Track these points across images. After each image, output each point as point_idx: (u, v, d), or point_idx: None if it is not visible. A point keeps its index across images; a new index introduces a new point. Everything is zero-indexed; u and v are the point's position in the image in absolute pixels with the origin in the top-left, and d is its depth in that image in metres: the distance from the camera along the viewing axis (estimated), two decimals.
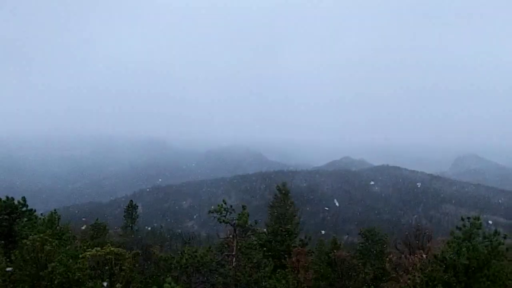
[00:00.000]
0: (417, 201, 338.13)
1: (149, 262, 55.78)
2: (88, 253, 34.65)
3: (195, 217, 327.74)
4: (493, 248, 29.12)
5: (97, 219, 73.53)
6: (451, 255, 28.65)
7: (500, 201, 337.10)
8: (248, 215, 34.62)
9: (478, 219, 30.09)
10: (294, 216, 60.12)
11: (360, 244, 75.41)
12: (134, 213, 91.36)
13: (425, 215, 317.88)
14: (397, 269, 55.86)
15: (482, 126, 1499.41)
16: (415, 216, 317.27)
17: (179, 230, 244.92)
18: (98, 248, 36.16)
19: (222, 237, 43.24)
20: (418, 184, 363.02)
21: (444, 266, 29.01)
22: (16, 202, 47.10)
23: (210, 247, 37.96)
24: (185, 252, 36.48)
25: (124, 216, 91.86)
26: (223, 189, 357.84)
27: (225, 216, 35.30)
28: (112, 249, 36.02)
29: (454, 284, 28.03)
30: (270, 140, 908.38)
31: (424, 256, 53.90)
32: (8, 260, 37.66)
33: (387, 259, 57.33)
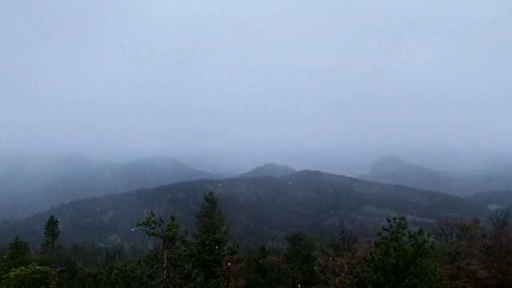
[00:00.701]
0: (339, 204, 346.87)
1: (74, 280, 53.66)
2: (13, 273, 32.81)
3: (118, 230, 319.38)
4: (419, 247, 30.34)
5: (16, 237, 69.77)
6: (379, 256, 29.54)
7: (417, 200, 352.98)
8: (177, 226, 34.01)
9: (404, 219, 31.27)
10: (222, 224, 59.94)
11: (288, 249, 76.55)
12: (55, 229, 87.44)
13: (348, 217, 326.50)
14: (325, 271, 56.99)
15: (399, 130, 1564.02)
16: (337, 219, 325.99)
17: (102, 245, 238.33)
18: (23, 268, 34.35)
19: (150, 250, 42.30)
20: (338, 187, 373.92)
21: (373, 267, 29.89)
22: None
23: (139, 261, 36.85)
24: (114, 267, 35.33)
25: (44, 233, 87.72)
26: (145, 200, 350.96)
27: (153, 228, 34.53)
28: (37, 267, 34.36)
29: (383, 283, 28.92)
30: (193, 150, 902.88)
31: (350, 257, 55.42)
32: None
33: (315, 262, 58.48)
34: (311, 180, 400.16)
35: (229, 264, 51.90)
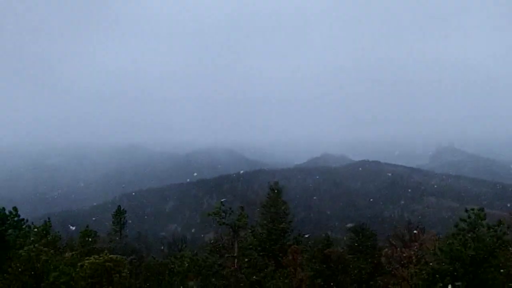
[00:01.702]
0: (398, 195, 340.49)
1: (142, 268, 55.06)
2: (87, 261, 33.95)
3: (178, 220, 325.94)
4: (498, 238, 29.30)
5: (86, 226, 72.00)
6: (458, 247, 28.72)
7: (479, 191, 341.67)
8: (247, 216, 34.30)
9: (482, 210, 30.25)
10: (287, 214, 59.89)
11: (351, 240, 75.84)
12: (122, 218, 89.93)
13: (407, 208, 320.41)
14: (391, 262, 56.13)
15: (458, 119, 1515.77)
16: (397, 210, 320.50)
17: (164, 233, 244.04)
18: (96, 256, 35.48)
19: (213, 239, 42.79)
20: (397, 178, 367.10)
21: (450, 258, 29.09)
22: (7, 212, 45.88)
23: (211, 250, 37.41)
24: (185, 255, 35.98)
25: (112, 221, 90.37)
26: (204, 190, 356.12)
27: (224, 218, 34.93)
28: (110, 256, 35.40)
29: (462, 275, 28.13)
30: (250, 140, 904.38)
31: (418, 249, 54.25)
32: (1, 271, 36.76)
33: (383, 253, 57.63)
34: (369, 170, 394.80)
35: (295, 254, 51.84)
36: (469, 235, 29.75)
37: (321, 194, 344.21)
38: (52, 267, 35.90)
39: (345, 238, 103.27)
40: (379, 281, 57.51)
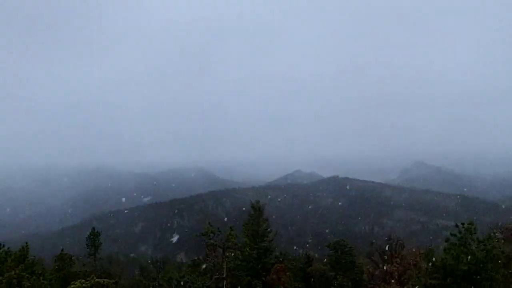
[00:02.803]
0: (369, 210, 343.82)
1: None
2: (73, 285, 32.94)
3: (148, 241, 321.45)
4: (488, 252, 29.62)
5: (62, 250, 70.32)
6: (451, 262, 28.91)
7: (448, 204, 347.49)
8: (236, 236, 33.87)
9: (472, 224, 30.59)
10: (268, 232, 59.57)
11: (329, 256, 75.80)
12: (96, 240, 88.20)
13: (378, 223, 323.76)
14: (374, 278, 56.26)
15: (426, 134, 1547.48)
16: (367, 225, 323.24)
17: (134, 255, 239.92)
18: (82, 280, 34.49)
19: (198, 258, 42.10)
20: (367, 193, 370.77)
21: (443, 273, 29.25)
22: None
23: (199, 272, 36.70)
24: (172, 278, 35.21)
25: (86, 244, 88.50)
26: (175, 210, 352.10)
27: (212, 238, 34.44)
28: (97, 280, 34.46)
29: None
30: (220, 159, 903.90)
31: (400, 265, 54.52)
32: None
33: (364, 269, 57.70)
34: (339, 186, 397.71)
35: (279, 272, 51.47)
36: (459, 249, 30.01)
37: (293, 211, 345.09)
38: None
39: (316, 255, 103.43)
40: None
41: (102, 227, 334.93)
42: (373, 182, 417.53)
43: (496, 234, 32.17)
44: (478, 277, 28.89)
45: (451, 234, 31.43)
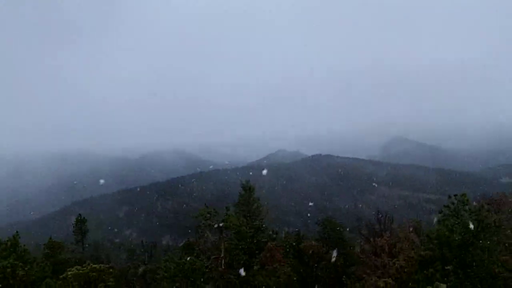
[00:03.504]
0: (352, 186, 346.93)
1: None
2: (70, 273, 32.87)
3: (133, 225, 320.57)
4: (480, 222, 30.28)
5: (50, 238, 69.72)
6: (445, 233, 29.49)
7: (429, 178, 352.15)
8: (233, 217, 34.11)
9: (465, 195, 31.19)
10: (260, 212, 59.88)
11: (318, 233, 76.76)
12: (83, 227, 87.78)
13: (361, 199, 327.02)
14: (364, 252, 57.02)
15: (406, 109, 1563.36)
16: (351, 201, 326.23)
17: (118, 240, 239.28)
18: (79, 267, 34.44)
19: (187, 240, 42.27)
20: (350, 170, 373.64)
21: (437, 244, 29.86)
22: None
23: (197, 254, 36.93)
24: (169, 261, 35.30)
25: (73, 231, 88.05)
26: (159, 193, 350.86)
27: (209, 219, 34.60)
28: (94, 266, 34.46)
29: (451, 259, 28.94)
30: (203, 141, 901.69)
31: (390, 238, 55.27)
32: None
33: (355, 244, 58.51)
34: (323, 164, 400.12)
35: (273, 251, 51.90)
36: (453, 220, 30.63)
37: (277, 190, 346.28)
38: (31, 281, 34.72)
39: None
40: (353, 272, 58.34)
41: (84, 213, 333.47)
42: (355, 158, 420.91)
43: (484, 205, 32.86)
44: (472, 247, 29.57)
45: (444, 206, 32.06)
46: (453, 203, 31.59)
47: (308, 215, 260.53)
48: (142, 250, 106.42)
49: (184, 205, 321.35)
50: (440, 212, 32.33)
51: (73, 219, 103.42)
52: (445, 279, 25.82)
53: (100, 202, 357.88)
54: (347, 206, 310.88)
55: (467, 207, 31.06)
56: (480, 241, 29.69)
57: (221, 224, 34.87)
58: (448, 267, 28.54)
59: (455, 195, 32.08)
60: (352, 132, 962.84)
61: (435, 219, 32.45)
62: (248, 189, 59.85)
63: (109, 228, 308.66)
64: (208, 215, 34.74)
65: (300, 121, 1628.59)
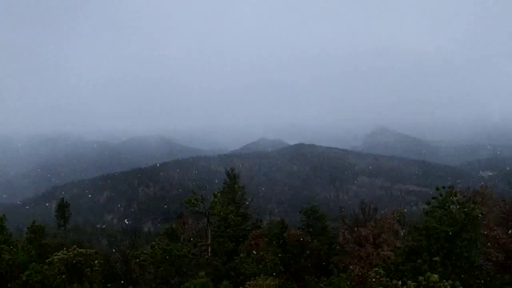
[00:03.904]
0: (334, 176, 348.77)
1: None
2: (56, 257, 32.53)
3: (114, 210, 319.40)
4: (467, 214, 30.60)
5: (33, 222, 68.86)
6: (433, 224, 29.76)
7: (409, 170, 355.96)
8: (221, 204, 34.07)
9: (452, 188, 31.53)
10: (244, 199, 59.96)
11: (302, 222, 76.93)
12: (66, 211, 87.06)
13: (343, 189, 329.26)
14: (348, 243, 57.30)
15: (389, 102, 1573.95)
16: (333, 191, 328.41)
17: (99, 225, 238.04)
18: (65, 251, 34.09)
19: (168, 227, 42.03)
20: (332, 160, 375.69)
21: (425, 235, 30.15)
22: None
23: (183, 239, 36.82)
24: (156, 247, 35.13)
25: (55, 215, 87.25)
26: (140, 179, 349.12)
27: (196, 206, 34.50)
28: (80, 250, 34.16)
29: (438, 250, 29.24)
30: (184, 128, 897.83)
31: (374, 228, 55.64)
32: None
33: (339, 233, 58.69)
34: (305, 154, 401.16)
35: (257, 238, 51.96)
36: (441, 212, 30.93)
37: (258, 178, 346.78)
38: (17, 265, 34.36)
39: (292, 220, 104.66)
40: (336, 261, 58.64)
41: (65, 198, 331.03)
42: (337, 149, 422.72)
43: (471, 198, 33.30)
44: (459, 239, 29.90)
45: (432, 198, 32.37)
46: (441, 195, 31.89)
47: (287, 205, 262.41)
48: (123, 235, 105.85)
49: (165, 192, 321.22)
50: (428, 204, 32.61)
51: (53, 204, 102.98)
52: (433, 270, 26.09)
53: (81, 187, 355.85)
54: (328, 196, 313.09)
55: (454, 199, 31.36)
56: (467, 233, 30.04)
57: (208, 211, 34.79)
58: (436, 258, 28.84)
59: (443, 187, 32.40)
60: (335, 122, 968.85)
61: (424, 210, 32.63)
62: (233, 177, 59.86)
63: (90, 213, 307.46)
64: (195, 201, 34.52)
65: (282, 110, 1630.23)
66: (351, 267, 47.47)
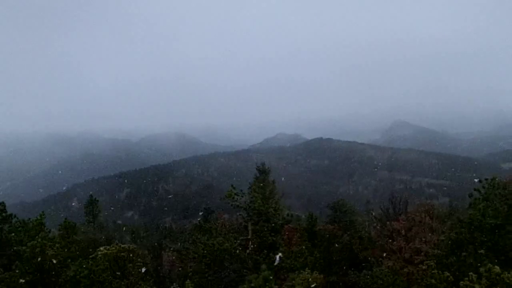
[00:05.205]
0: (353, 170, 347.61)
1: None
2: (100, 252, 33.03)
3: (134, 207, 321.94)
4: (510, 206, 30.43)
5: (65, 219, 69.93)
6: (478, 217, 29.65)
7: (430, 163, 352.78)
8: (262, 198, 34.41)
9: (495, 179, 31.35)
10: (275, 194, 59.90)
11: (328, 217, 77.07)
12: (94, 208, 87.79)
13: (362, 183, 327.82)
14: (381, 236, 57.28)
15: (408, 94, 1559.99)
16: (352, 185, 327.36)
17: (120, 222, 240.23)
18: (108, 247, 34.64)
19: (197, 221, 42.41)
20: (351, 154, 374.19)
21: (468, 227, 30.06)
22: None
23: (226, 234, 37.21)
24: (198, 242, 35.54)
25: (84, 212, 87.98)
26: (160, 176, 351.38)
27: (237, 200, 34.86)
28: (122, 246, 34.67)
29: (482, 243, 29.18)
30: (203, 124, 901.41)
31: (406, 221, 55.52)
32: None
33: (373, 227, 58.77)
34: (323, 148, 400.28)
35: (290, 233, 52.20)
36: (484, 204, 30.81)
37: (278, 173, 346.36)
38: (61, 260, 34.90)
39: (303, 215, 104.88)
40: (367, 255, 58.62)
41: (87, 195, 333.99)
42: (356, 142, 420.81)
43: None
44: (503, 231, 29.77)
45: (475, 190, 32.24)
46: (484, 187, 31.74)
47: (307, 199, 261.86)
48: (147, 232, 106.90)
49: (185, 188, 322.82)
50: (470, 196, 32.51)
51: (75, 201, 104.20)
52: (478, 264, 26.03)
53: (101, 184, 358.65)
54: (348, 190, 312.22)
55: (497, 191, 31.18)
56: (511, 225, 29.89)
57: (249, 205, 35.11)
58: (481, 251, 28.73)
59: (486, 179, 32.26)
60: (353, 116, 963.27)
61: (470, 202, 32.52)
62: (263, 171, 59.83)
63: (111, 209, 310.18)
64: (235, 195, 34.84)
65: (299, 105, 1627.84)
66: (383, 260, 47.54)
